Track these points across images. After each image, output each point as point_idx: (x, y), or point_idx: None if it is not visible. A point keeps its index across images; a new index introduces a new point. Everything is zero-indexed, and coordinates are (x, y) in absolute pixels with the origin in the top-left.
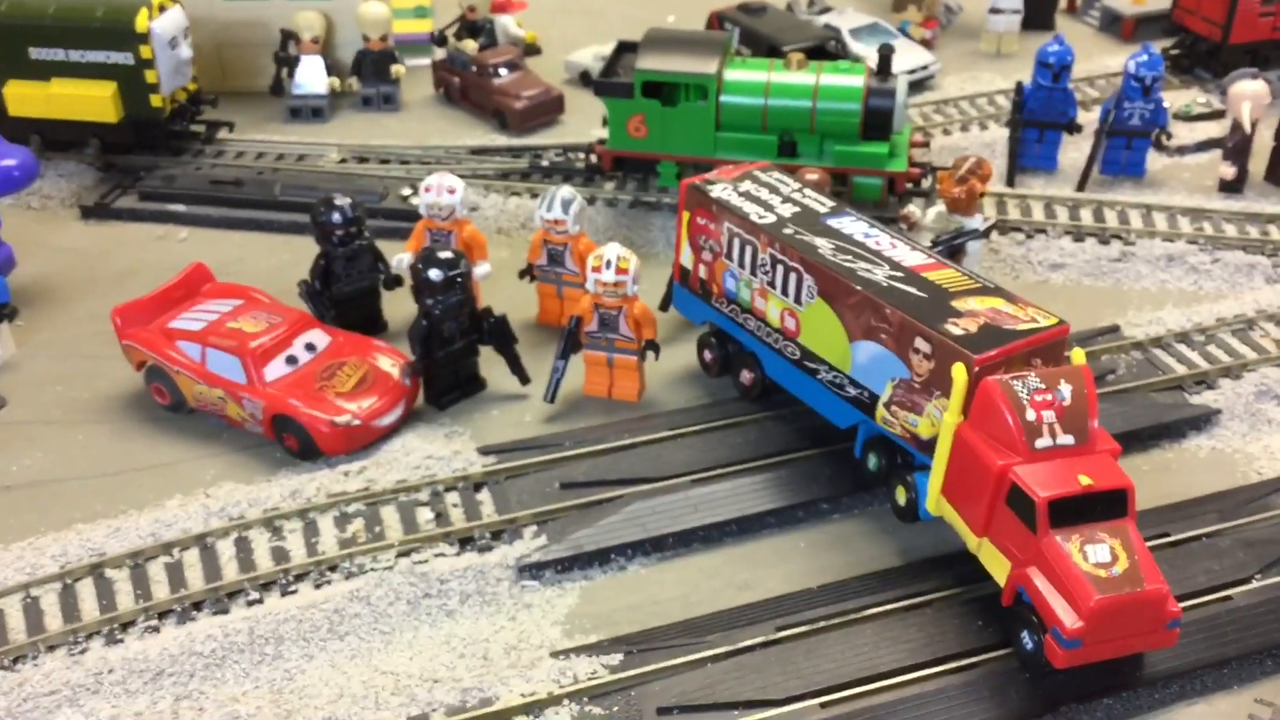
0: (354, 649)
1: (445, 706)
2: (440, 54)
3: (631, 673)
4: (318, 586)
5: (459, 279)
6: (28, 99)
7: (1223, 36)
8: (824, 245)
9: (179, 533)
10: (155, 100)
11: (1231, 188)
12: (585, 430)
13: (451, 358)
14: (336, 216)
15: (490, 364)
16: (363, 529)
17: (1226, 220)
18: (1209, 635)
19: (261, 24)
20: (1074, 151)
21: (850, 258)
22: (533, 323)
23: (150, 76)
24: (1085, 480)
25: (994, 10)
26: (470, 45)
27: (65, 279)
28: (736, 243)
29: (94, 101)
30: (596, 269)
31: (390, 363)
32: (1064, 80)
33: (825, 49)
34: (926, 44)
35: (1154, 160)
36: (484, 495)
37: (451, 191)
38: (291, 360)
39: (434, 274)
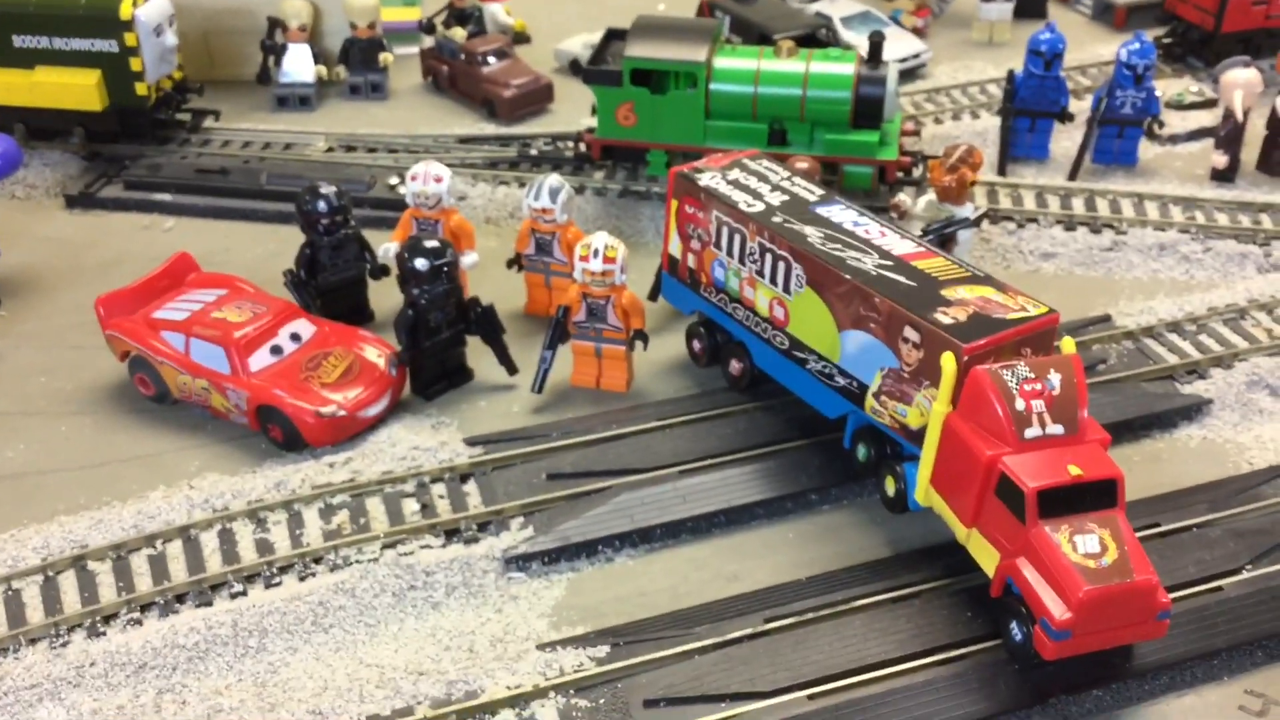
0: (339, 641)
1: (430, 699)
2: (429, 42)
3: (618, 665)
4: (302, 579)
5: (445, 268)
6: (11, 87)
7: (1215, 25)
8: (813, 234)
9: (162, 524)
10: (140, 88)
11: (1223, 176)
12: (573, 421)
13: (438, 348)
14: (322, 205)
15: (478, 354)
16: (348, 521)
17: (1218, 209)
18: (1199, 626)
19: (248, 12)
20: (1066, 140)
21: (839, 246)
22: (521, 312)
23: (135, 64)
24: (1075, 470)
25: None
26: (459, 33)
27: (50, 269)
28: (725, 231)
29: (78, 90)
30: (584, 258)
31: (376, 353)
32: (1056, 69)
33: (816, 37)
34: (918, 32)
35: (1146, 149)
36: (470, 486)
37: (438, 180)
38: (276, 350)
39: (420, 263)
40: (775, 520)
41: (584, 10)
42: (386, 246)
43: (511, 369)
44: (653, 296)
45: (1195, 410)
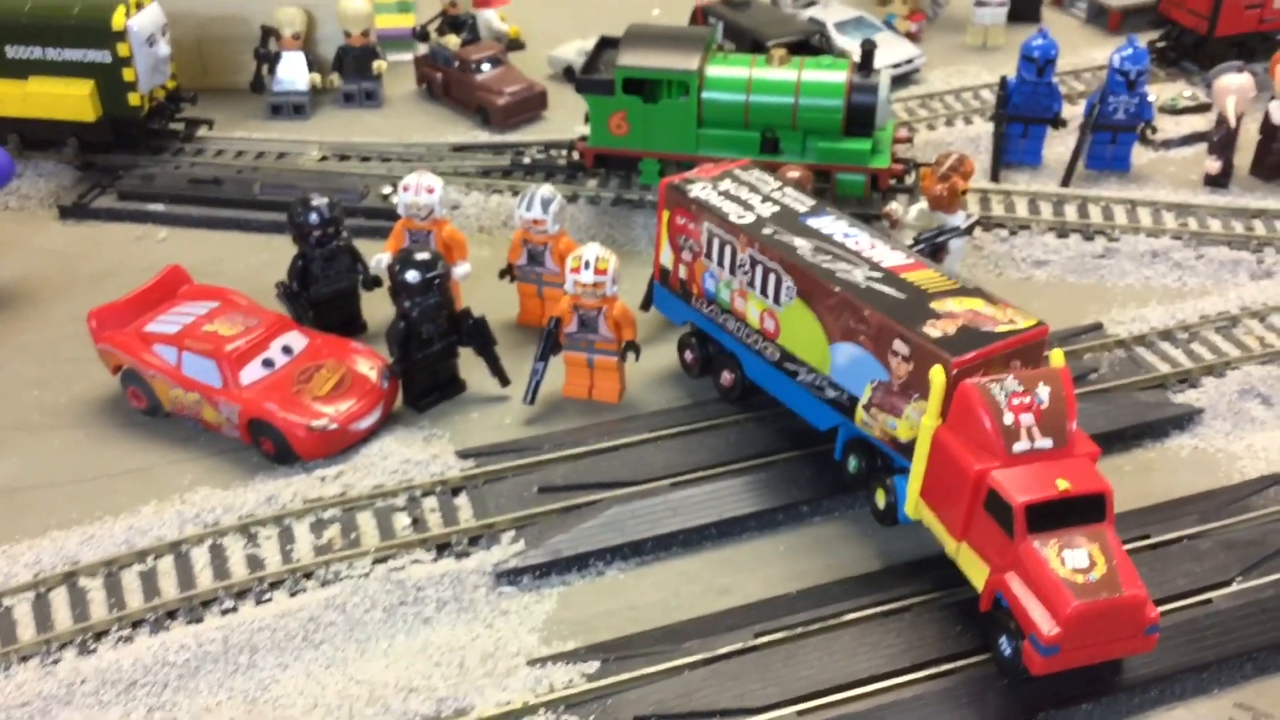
0: (329, 658)
1: (420, 716)
2: (423, 49)
3: (608, 681)
4: (293, 594)
5: (436, 280)
6: (5, 98)
7: (1209, 29)
8: (803, 245)
9: (153, 540)
10: (133, 98)
11: (1216, 182)
12: (565, 433)
13: (430, 359)
14: (314, 217)
15: (470, 365)
16: (339, 535)
17: (1211, 215)
18: (1189, 639)
19: (242, 19)
20: (1059, 146)
21: (829, 258)
22: (513, 323)
23: (128, 74)
24: (1063, 484)
25: (980, 3)
26: (452, 40)
27: (43, 280)
28: (716, 243)
29: (71, 100)
30: (575, 270)
31: (368, 365)
32: (1048, 74)
33: (809, 43)
34: (912, 37)
35: (1139, 154)
36: (462, 500)
37: (430, 191)
38: (268, 363)
39: (411, 276)
40: (766, 533)
41: (579, 17)
42: (379, 257)
43: (504, 380)
44: (645, 307)
45: (1187, 419)
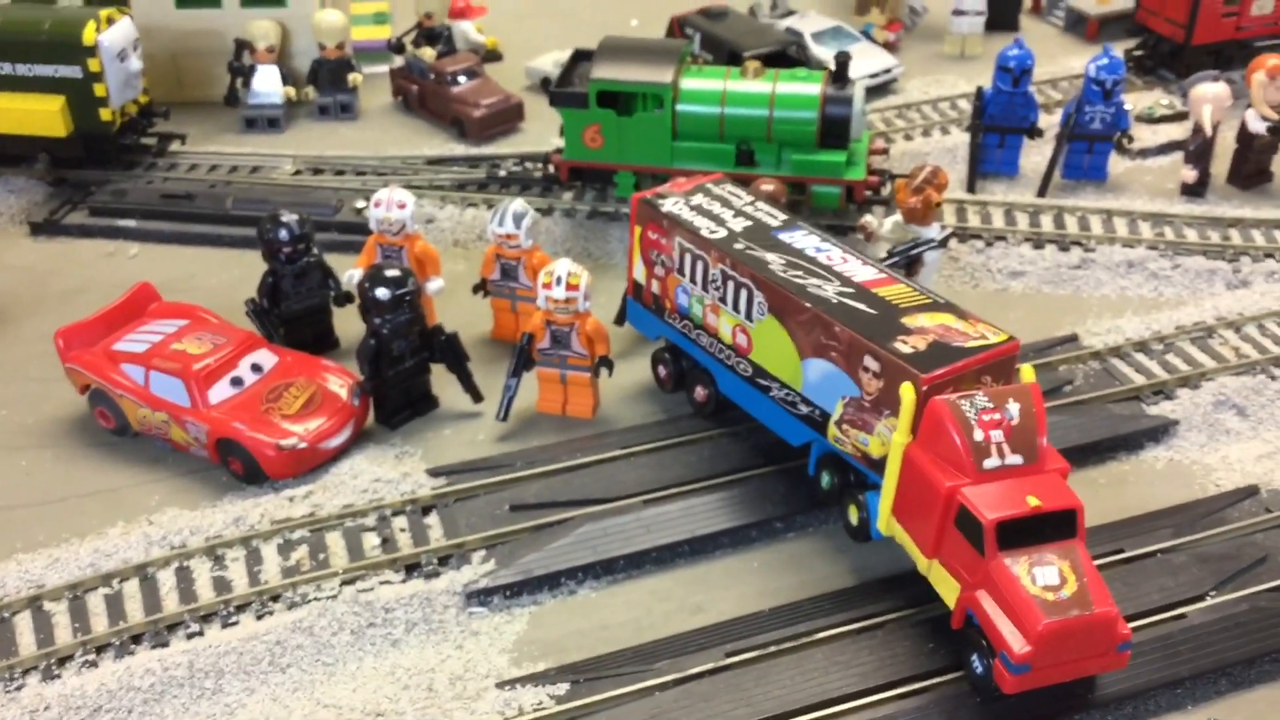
0: (296, 681)
1: None
2: (398, 61)
3: (577, 703)
4: (259, 617)
5: (407, 297)
6: None
7: (1185, 37)
8: (775, 261)
9: (119, 563)
10: (105, 114)
11: (1193, 191)
12: (537, 450)
13: (402, 376)
14: (283, 234)
15: (443, 382)
16: (307, 557)
17: (1187, 225)
18: (1162, 654)
19: (216, 33)
20: (1036, 155)
21: (801, 273)
22: (487, 338)
23: (99, 90)
24: (1033, 501)
25: (957, 12)
26: (428, 53)
27: (13, 298)
28: (688, 258)
29: (42, 116)
30: (547, 285)
31: (339, 383)
32: (1024, 84)
33: (786, 54)
34: (890, 47)
35: (1116, 163)
36: (432, 519)
37: (401, 206)
38: (237, 382)
39: (381, 293)
40: (740, 549)
41: (558, 27)
42: (351, 273)
43: (476, 396)
44: (619, 321)
45: (1162, 431)
